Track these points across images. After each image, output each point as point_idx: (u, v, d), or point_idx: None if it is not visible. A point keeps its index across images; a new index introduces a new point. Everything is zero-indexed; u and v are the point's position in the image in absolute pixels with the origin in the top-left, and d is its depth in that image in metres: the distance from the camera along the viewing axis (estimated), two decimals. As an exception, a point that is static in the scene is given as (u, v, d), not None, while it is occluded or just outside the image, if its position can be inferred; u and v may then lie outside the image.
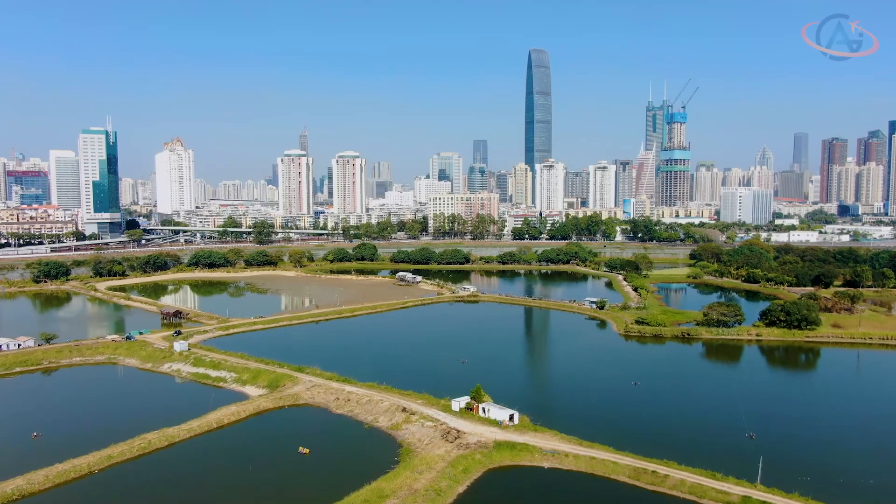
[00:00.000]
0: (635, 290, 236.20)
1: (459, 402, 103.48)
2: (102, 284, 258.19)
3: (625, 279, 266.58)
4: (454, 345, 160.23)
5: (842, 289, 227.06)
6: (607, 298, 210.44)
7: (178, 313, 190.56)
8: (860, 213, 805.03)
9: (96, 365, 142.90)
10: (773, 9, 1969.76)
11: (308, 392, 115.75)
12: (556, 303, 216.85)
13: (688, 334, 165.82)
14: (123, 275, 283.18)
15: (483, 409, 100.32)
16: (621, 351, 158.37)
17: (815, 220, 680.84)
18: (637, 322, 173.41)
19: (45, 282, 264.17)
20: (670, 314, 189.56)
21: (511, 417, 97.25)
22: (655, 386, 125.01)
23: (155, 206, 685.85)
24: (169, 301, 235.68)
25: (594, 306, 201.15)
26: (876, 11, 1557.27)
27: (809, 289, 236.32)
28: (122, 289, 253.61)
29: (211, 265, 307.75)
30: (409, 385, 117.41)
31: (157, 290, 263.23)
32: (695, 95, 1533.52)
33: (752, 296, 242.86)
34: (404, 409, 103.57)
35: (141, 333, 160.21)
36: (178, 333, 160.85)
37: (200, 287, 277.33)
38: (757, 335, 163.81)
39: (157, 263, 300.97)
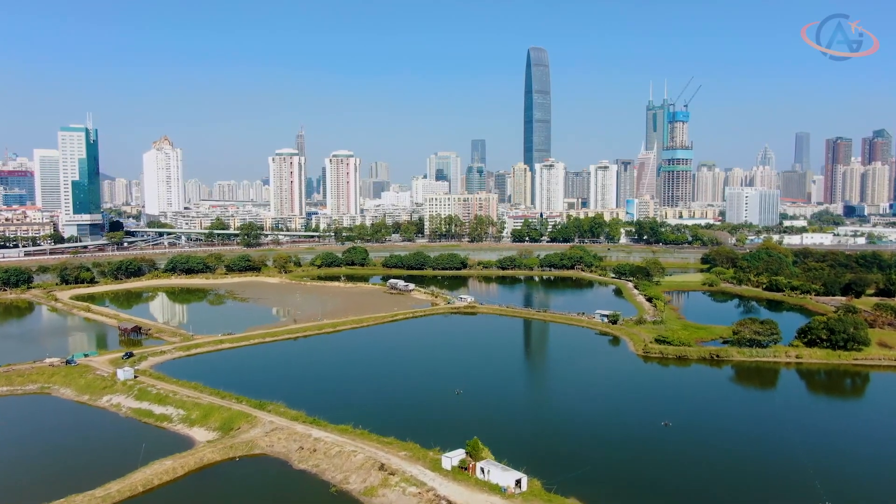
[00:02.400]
0: (649, 300, 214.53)
1: (452, 458, 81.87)
2: (66, 293, 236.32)
3: (635, 287, 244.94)
4: (448, 369, 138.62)
5: (876, 298, 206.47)
6: (619, 310, 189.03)
7: (137, 329, 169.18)
8: (866, 213, 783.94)
9: (26, 395, 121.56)
10: (773, 9, 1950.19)
11: (266, 438, 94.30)
12: (562, 315, 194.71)
13: (717, 356, 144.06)
14: (92, 282, 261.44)
15: (482, 469, 78.67)
16: (642, 377, 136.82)
17: (822, 220, 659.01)
18: (657, 340, 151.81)
19: (5, 290, 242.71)
20: (692, 330, 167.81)
21: (518, 483, 75.57)
22: (691, 429, 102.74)
23: (143, 206, 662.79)
24: (137, 312, 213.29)
25: (606, 320, 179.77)
26: (876, 11, 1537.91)
27: (839, 298, 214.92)
28: (90, 297, 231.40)
29: (189, 271, 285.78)
30: (391, 425, 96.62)
31: (129, 299, 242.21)
32: (695, 95, 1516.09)
33: (775, 305, 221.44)
34: (382, 467, 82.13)
35: (86, 356, 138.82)
36: (130, 356, 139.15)
37: (176, 295, 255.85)
38: (797, 357, 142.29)
39: (131, 269, 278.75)
